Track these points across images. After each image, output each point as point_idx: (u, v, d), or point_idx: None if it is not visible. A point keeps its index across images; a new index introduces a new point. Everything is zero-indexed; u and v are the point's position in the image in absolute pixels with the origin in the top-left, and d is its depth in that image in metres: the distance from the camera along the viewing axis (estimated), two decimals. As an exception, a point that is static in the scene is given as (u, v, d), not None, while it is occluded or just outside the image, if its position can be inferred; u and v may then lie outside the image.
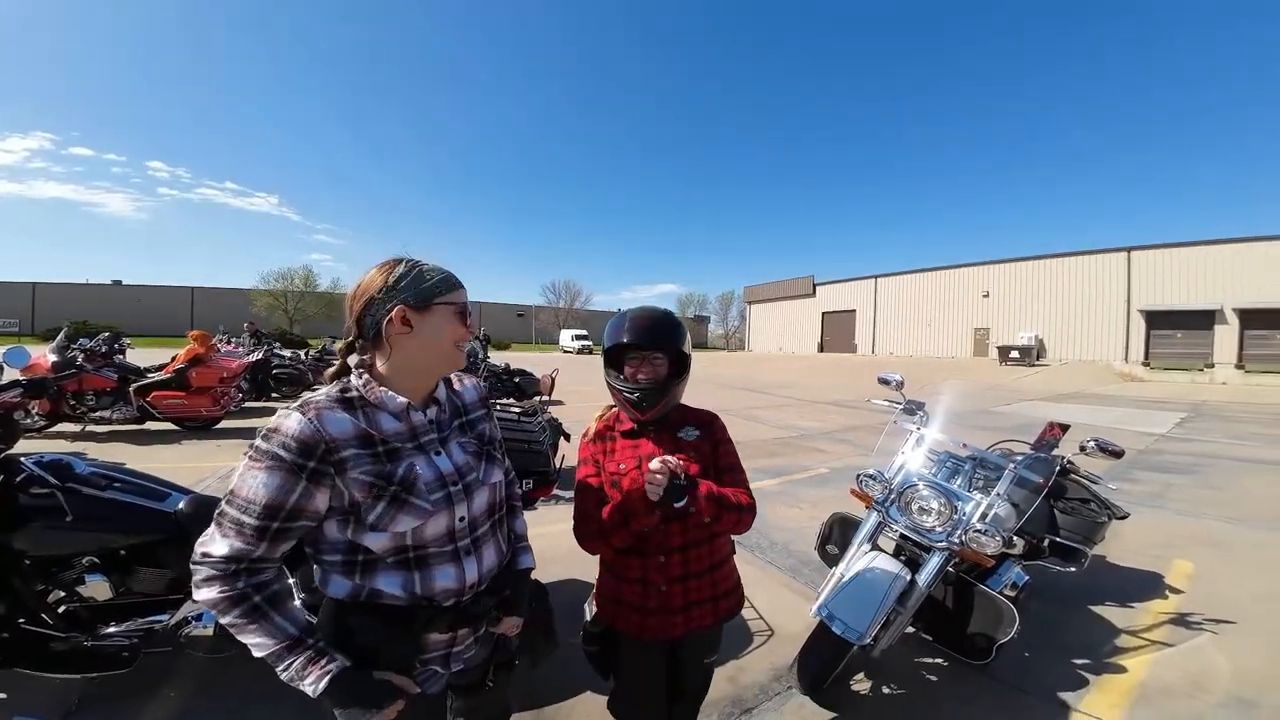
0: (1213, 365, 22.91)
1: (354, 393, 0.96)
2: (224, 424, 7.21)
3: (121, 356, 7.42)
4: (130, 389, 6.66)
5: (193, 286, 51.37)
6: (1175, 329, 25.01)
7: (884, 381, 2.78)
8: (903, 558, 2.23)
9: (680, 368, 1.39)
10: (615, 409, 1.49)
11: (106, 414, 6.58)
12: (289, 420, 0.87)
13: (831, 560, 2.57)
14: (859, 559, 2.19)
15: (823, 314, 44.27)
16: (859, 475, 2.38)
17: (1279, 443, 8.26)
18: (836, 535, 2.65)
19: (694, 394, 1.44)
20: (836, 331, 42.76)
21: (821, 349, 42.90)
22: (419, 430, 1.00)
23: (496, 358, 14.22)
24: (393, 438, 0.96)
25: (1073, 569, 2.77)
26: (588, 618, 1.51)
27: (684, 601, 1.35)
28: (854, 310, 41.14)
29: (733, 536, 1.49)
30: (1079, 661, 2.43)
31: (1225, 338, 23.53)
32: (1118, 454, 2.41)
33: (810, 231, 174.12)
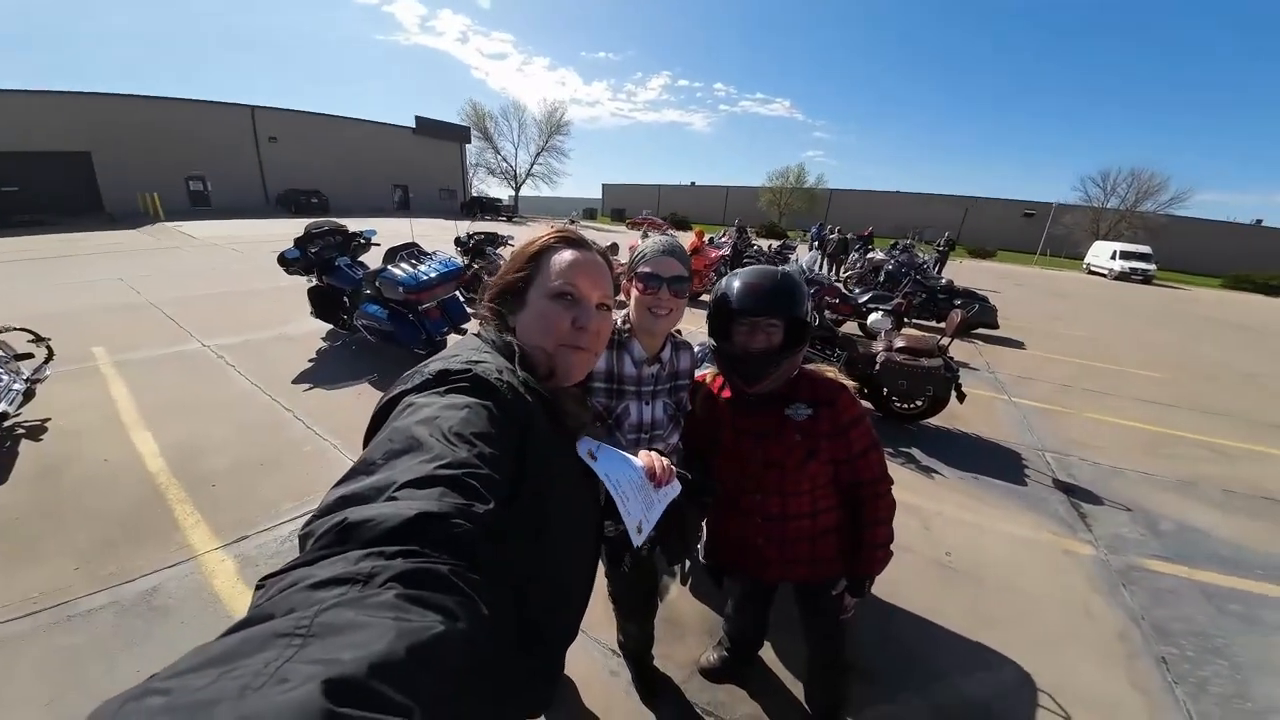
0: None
1: (618, 335, 1.22)
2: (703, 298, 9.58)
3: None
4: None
5: (727, 186, 65.66)
6: None
7: None
8: None
9: (796, 337, 1.24)
10: None
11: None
12: None
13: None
14: None
15: None
16: None
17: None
18: None
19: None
20: None
21: None
22: (644, 379, 1.23)
23: (957, 271, 11.53)
24: (628, 380, 1.22)
25: None
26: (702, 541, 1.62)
27: (779, 557, 1.38)
28: None
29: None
30: None
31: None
32: None
33: None
